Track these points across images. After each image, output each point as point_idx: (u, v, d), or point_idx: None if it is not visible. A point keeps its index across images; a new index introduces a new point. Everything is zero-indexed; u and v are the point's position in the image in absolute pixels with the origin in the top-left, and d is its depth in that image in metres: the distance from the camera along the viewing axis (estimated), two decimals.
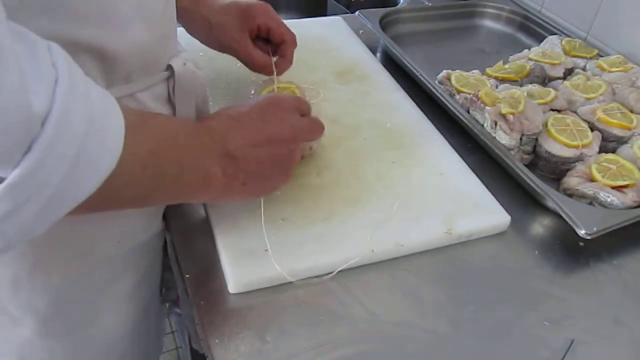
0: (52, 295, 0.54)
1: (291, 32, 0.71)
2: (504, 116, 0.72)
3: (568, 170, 0.71)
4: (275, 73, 0.70)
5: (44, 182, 0.34)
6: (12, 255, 0.49)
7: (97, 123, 0.36)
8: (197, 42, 0.88)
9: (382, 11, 1.01)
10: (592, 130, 0.74)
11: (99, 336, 0.61)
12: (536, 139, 0.73)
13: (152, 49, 0.51)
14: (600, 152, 0.73)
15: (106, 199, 0.40)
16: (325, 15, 1.30)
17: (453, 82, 0.83)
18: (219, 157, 0.49)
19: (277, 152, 0.54)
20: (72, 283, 0.55)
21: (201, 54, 0.84)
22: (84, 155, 0.35)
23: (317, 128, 0.60)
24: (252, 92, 0.71)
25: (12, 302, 0.52)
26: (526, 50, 0.94)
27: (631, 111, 0.78)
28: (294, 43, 0.71)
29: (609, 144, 0.75)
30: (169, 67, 0.55)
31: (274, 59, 0.71)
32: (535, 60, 0.89)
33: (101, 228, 0.54)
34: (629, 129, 0.75)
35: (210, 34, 0.69)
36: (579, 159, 0.71)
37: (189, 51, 0.61)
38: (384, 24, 0.99)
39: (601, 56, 0.93)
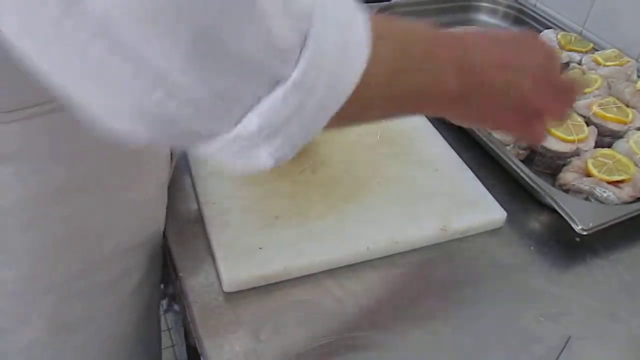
0: (59, 293, 0.53)
1: None
2: None
3: (564, 165, 0.71)
4: None
5: (319, 75, 0.33)
6: (20, 254, 0.49)
7: (349, 18, 0.35)
8: None
9: (377, 6, 1.00)
10: (587, 124, 0.74)
11: (106, 333, 0.61)
12: None
13: None
14: (596, 146, 0.72)
15: (355, 108, 0.38)
16: None
17: None
18: (460, 69, 0.44)
19: (519, 81, 0.47)
20: (79, 280, 0.54)
21: None
22: (348, 44, 0.34)
23: (573, 90, 0.54)
24: None
25: (20, 301, 0.52)
26: None
27: (627, 105, 0.78)
28: None
29: (605, 138, 0.75)
30: None
31: None
32: None
33: (110, 223, 0.54)
34: (625, 124, 0.75)
35: None
36: (575, 153, 0.71)
37: None
38: None
39: (596, 50, 0.92)
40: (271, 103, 0.32)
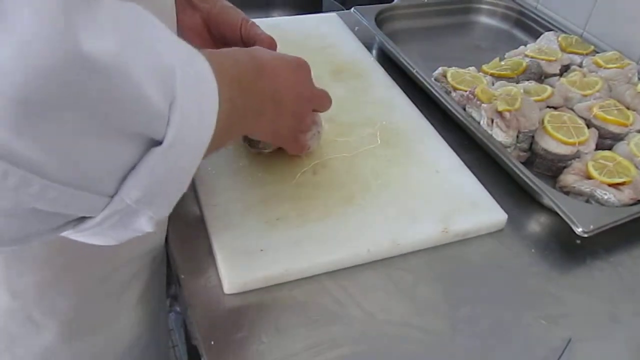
0: (76, 298, 0.54)
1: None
2: (500, 113, 0.72)
3: (564, 167, 0.71)
4: None
5: (188, 131, 0.34)
6: (41, 260, 0.49)
7: (201, 74, 0.37)
8: None
9: (377, 7, 1.00)
10: (588, 127, 0.74)
11: (119, 337, 0.62)
12: (532, 136, 0.73)
13: None
14: (596, 149, 0.72)
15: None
16: (320, 11, 1.29)
17: (449, 79, 0.82)
18: (270, 97, 0.52)
19: (300, 110, 0.58)
20: (95, 285, 0.55)
21: None
22: (204, 96, 0.36)
23: (327, 98, 0.63)
24: None
25: (37, 308, 0.52)
26: (522, 46, 0.94)
27: (627, 108, 0.78)
28: None
29: (606, 141, 0.75)
30: None
31: None
32: (532, 57, 0.89)
33: None
34: (626, 126, 0.75)
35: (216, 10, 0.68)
36: (576, 156, 0.71)
37: None
38: (380, 21, 0.98)
39: (597, 52, 0.92)
40: (148, 168, 0.32)
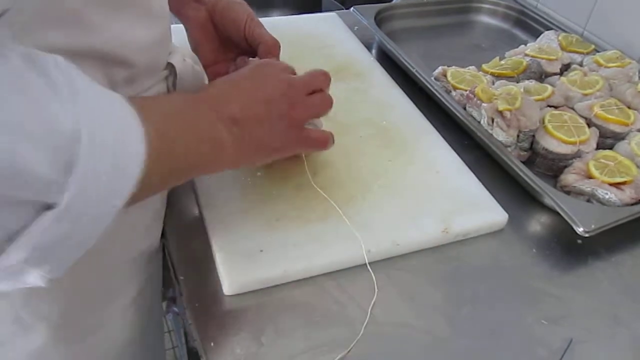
0: (64, 302, 0.53)
1: None
2: (500, 113, 0.72)
3: (565, 167, 0.71)
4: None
5: (90, 197, 0.33)
6: None
7: (121, 130, 0.35)
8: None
9: (377, 7, 1.00)
10: (589, 126, 0.74)
11: (110, 340, 0.61)
12: (533, 136, 0.73)
13: (154, 49, 0.51)
14: (597, 148, 0.72)
15: (134, 200, 0.39)
16: (320, 11, 1.29)
17: (449, 78, 0.82)
18: (222, 122, 0.49)
19: (277, 109, 0.53)
20: (83, 289, 0.54)
21: None
22: (121, 156, 0.35)
23: (325, 100, 0.59)
24: None
25: (25, 310, 0.51)
26: (522, 45, 0.93)
27: (628, 107, 0.78)
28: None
29: (607, 140, 0.75)
30: (169, 65, 0.55)
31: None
32: (532, 56, 0.88)
33: (109, 235, 0.53)
34: (627, 125, 0.74)
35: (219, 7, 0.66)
36: (577, 155, 0.71)
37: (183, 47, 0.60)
38: (379, 20, 0.98)
39: (598, 51, 0.92)
40: (37, 231, 0.32)
